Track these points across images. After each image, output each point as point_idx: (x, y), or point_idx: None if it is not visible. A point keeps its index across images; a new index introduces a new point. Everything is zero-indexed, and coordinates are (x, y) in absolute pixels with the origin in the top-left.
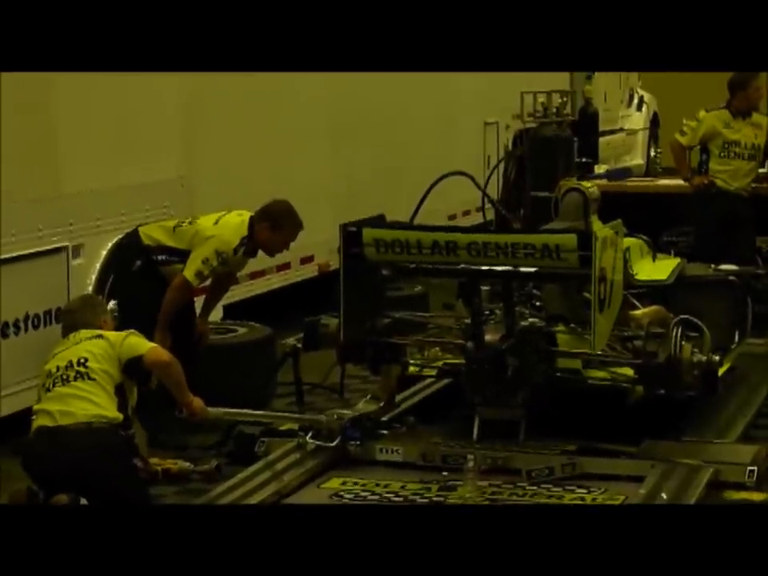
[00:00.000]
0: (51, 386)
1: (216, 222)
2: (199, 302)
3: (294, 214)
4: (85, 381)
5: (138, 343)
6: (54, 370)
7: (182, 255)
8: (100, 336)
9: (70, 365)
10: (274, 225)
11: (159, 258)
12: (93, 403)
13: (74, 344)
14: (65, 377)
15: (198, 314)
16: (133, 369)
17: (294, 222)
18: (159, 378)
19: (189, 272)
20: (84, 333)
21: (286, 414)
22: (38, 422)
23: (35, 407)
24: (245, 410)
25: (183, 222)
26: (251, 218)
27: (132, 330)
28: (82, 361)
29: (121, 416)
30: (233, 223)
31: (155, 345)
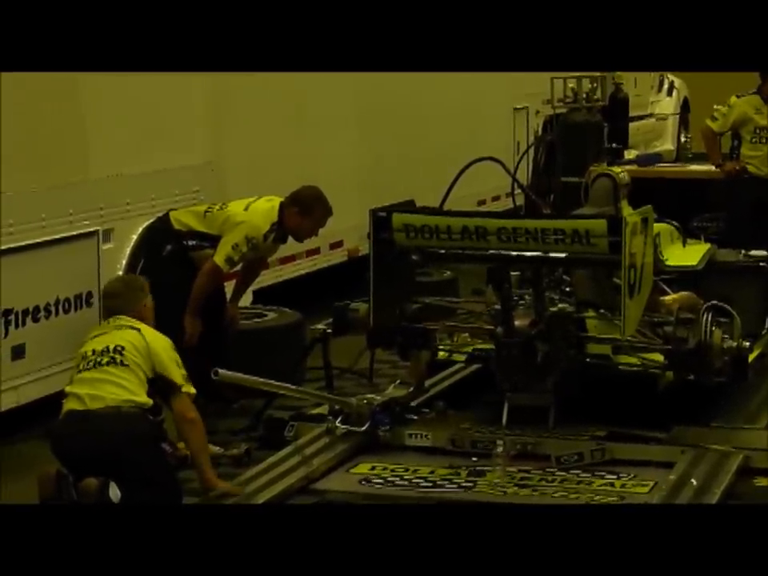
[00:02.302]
0: (84, 368)
1: (246, 208)
2: (229, 286)
3: (324, 199)
4: (117, 366)
5: (174, 371)
6: (89, 353)
7: (213, 240)
8: (138, 330)
9: (106, 350)
10: (303, 210)
11: (189, 243)
12: (123, 388)
13: (113, 329)
14: (99, 361)
15: (228, 299)
16: (160, 383)
17: (323, 207)
18: (180, 431)
19: (219, 257)
20: (125, 320)
21: (317, 393)
22: (68, 405)
23: (66, 389)
24: (278, 383)
25: (214, 207)
26: (281, 203)
27: (168, 342)
28: (119, 348)
29: (150, 401)
30: (263, 209)
31: (187, 390)
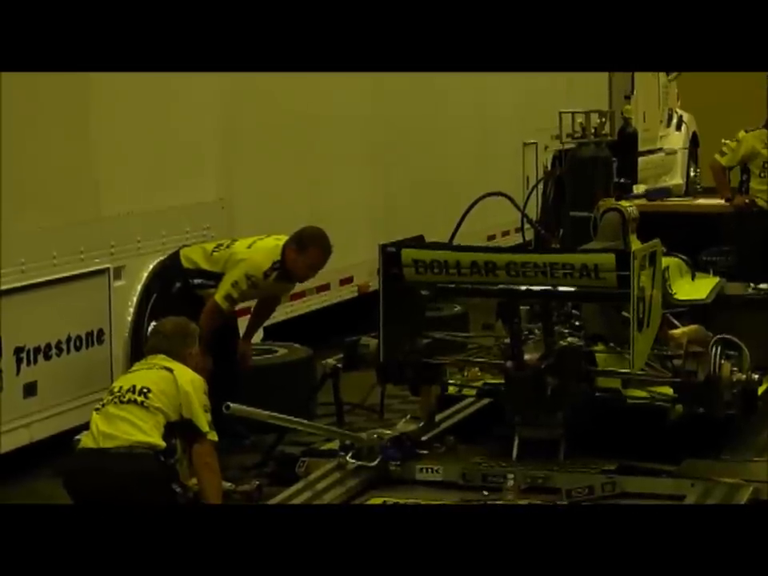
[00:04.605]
0: (108, 402)
1: (250, 246)
2: (243, 323)
3: (322, 238)
4: (137, 406)
5: (200, 417)
6: (116, 388)
7: (217, 279)
8: (171, 370)
9: (132, 389)
10: (300, 246)
11: (195, 281)
12: (137, 428)
13: (146, 368)
14: (122, 398)
15: (240, 336)
16: (183, 427)
17: (319, 244)
18: (197, 476)
19: (219, 295)
20: (160, 360)
21: (328, 428)
22: (83, 441)
23: (92, 416)
24: (288, 417)
25: (221, 246)
26: (285, 242)
27: (201, 386)
28: (144, 390)
29: (163, 444)
30: (266, 247)
31: (211, 437)
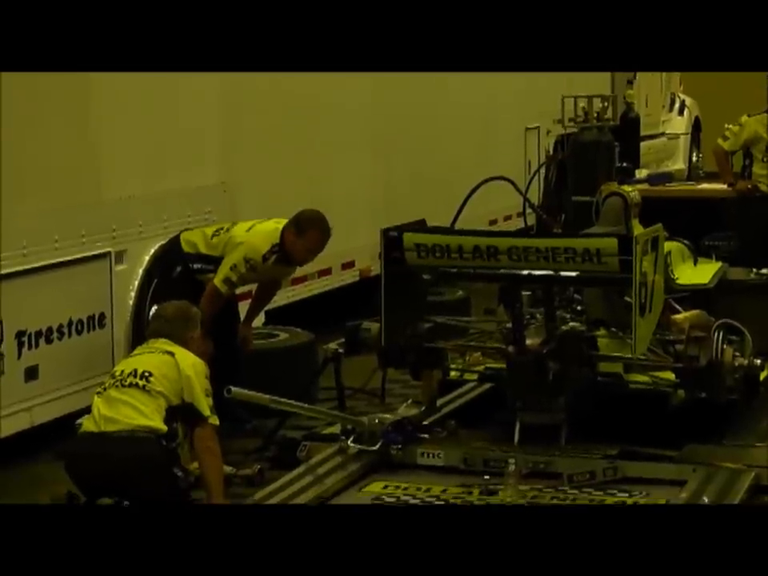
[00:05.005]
0: (109, 386)
1: (249, 229)
2: (243, 307)
3: (321, 221)
4: (139, 390)
5: (202, 401)
6: (117, 372)
7: (217, 263)
8: (172, 354)
9: (133, 373)
10: (298, 229)
11: (195, 266)
12: (139, 412)
13: (147, 352)
14: (123, 382)
15: (241, 320)
16: (185, 411)
17: (318, 227)
18: (199, 460)
19: (218, 279)
20: (161, 343)
21: (329, 412)
22: (84, 425)
23: (94, 399)
24: (290, 401)
25: (221, 229)
26: (284, 225)
27: (203, 370)
28: (146, 374)
29: (165, 428)
30: (265, 230)
31: (212, 421)
